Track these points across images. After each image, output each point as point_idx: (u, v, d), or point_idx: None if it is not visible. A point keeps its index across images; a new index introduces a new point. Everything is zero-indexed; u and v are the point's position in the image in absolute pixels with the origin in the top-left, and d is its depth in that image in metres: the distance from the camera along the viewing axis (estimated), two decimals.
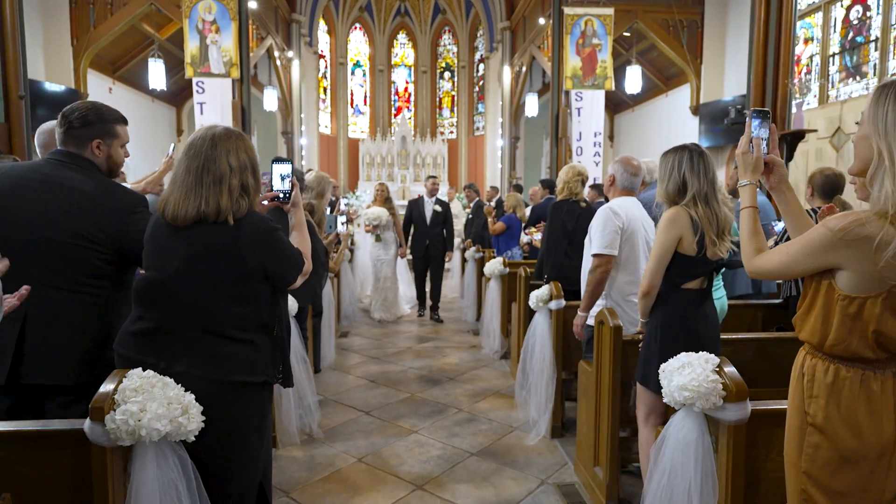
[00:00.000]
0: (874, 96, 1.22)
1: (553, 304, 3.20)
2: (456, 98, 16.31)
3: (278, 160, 1.93)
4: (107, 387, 1.46)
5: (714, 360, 1.63)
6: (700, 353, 1.68)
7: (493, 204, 7.67)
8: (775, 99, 5.29)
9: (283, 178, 1.89)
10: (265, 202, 1.87)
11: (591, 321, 2.64)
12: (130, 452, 1.46)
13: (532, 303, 3.31)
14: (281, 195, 1.88)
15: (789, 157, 5.17)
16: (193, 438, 1.51)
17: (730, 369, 1.61)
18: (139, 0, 9.31)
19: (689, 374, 1.59)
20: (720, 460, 1.61)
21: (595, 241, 2.54)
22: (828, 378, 1.27)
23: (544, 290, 3.25)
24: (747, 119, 1.46)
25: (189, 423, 1.48)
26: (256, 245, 1.64)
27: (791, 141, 5.18)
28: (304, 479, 2.76)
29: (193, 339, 1.62)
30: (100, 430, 1.40)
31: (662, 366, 1.74)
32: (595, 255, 2.54)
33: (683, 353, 1.70)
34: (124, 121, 2.00)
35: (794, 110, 5.30)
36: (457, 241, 7.56)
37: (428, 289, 6.61)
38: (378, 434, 3.29)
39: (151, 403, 1.42)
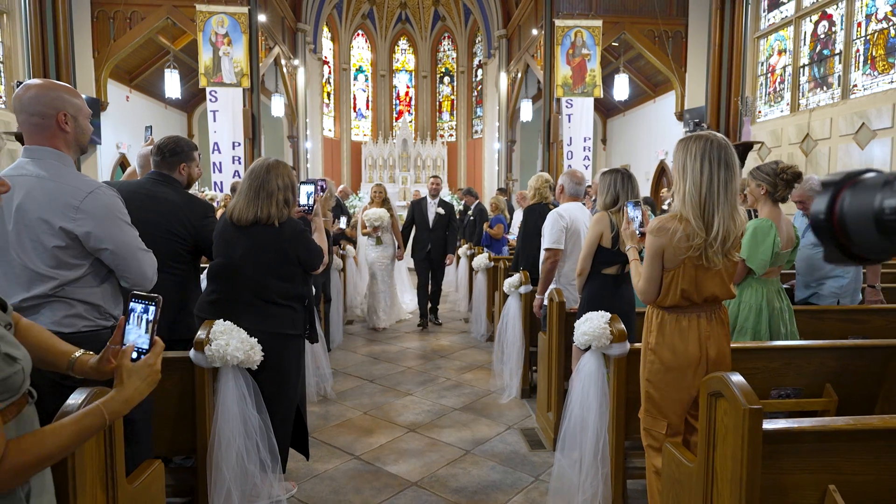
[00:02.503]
0: (677, 145, 2.03)
1: (522, 289, 4.02)
2: (455, 102, 17.16)
3: (304, 182, 2.76)
4: (202, 332, 2.28)
5: (607, 316, 2.44)
6: (599, 311, 2.49)
7: (471, 213, 7.66)
8: (728, 114, 6.07)
9: (308, 196, 2.71)
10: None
11: (546, 301, 3.44)
12: (217, 373, 2.28)
13: (506, 288, 4.12)
14: (306, 208, 2.70)
15: (741, 165, 5.96)
16: (256, 367, 2.33)
17: (618, 324, 2.42)
18: (156, 15, 10.07)
19: (588, 325, 2.40)
20: (611, 384, 2.41)
21: (545, 238, 3.35)
22: (657, 320, 2.07)
23: (515, 278, 4.06)
24: (625, 207, 2.25)
25: (255, 355, 2.31)
26: (293, 241, 2.48)
27: (742, 151, 5.98)
28: (322, 425, 3.58)
29: (252, 305, 2.45)
30: (201, 357, 2.22)
31: (576, 322, 2.55)
32: (546, 249, 3.35)
33: (589, 312, 2.51)
34: (197, 148, 2.83)
35: (743, 125, 6.10)
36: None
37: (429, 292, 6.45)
38: (380, 395, 4.12)
39: (232, 340, 2.25)
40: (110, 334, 1.85)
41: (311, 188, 2.74)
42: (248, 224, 2.46)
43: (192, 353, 2.24)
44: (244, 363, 2.28)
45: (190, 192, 2.87)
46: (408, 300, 7.29)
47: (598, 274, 2.90)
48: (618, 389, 2.38)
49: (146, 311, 1.20)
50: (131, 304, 1.21)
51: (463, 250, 7.23)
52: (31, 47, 6.48)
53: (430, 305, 6.44)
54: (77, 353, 1.26)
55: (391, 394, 4.16)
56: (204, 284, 3.00)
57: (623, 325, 2.40)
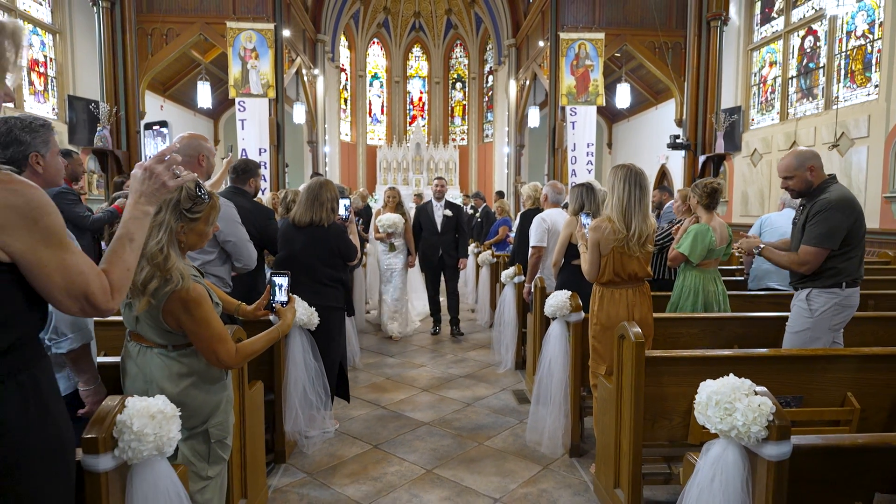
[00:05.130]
0: (611, 170, 2.97)
1: (516, 279, 4.97)
2: (466, 107, 18.17)
3: (342, 197, 3.76)
4: None
5: (568, 293, 3.38)
6: (564, 290, 3.43)
7: (478, 215, 8.40)
8: (704, 129, 6.96)
9: (345, 208, 3.70)
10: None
11: (532, 288, 4.38)
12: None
13: (502, 279, 5.07)
14: (343, 217, 3.69)
15: (715, 173, 6.84)
16: (314, 328, 3.32)
17: (576, 299, 3.36)
18: (190, 31, 11.13)
19: (554, 299, 3.35)
20: (571, 343, 3.35)
21: (532, 238, 4.30)
22: (599, 294, 3.02)
23: (510, 270, 5.02)
24: (579, 216, 3.18)
25: (314, 319, 3.30)
26: (337, 238, 3.48)
27: (717, 161, 6.87)
28: (353, 386, 4.55)
29: (306, 285, 3.45)
30: (276, 320, 3.21)
31: (546, 300, 3.49)
32: (532, 247, 4.30)
33: (556, 291, 3.46)
34: (260, 166, 3.84)
35: (717, 139, 6.99)
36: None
37: (444, 300, 6.39)
38: (399, 367, 5.10)
39: (298, 308, 3.24)
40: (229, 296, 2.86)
41: (347, 202, 3.75)
42: (305, 225, 3.48)
43: (271, 316, 3.23)
44: (306, 325, 3.28)
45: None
46: (420, 307, 7.10)
47: (569, 265, 3.85)
48: (575, 347, 3.32)
49: (283, 280, 2.18)
50: (272, 277, 2.19)
51: (471, 248, 8.18)
52: (104, 70, 7.66)
53: (449, 317, 6.35)
54: (240, 304, 2.27)
55: (408, 365, 5.15)
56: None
57: (580, 300, 3.35)
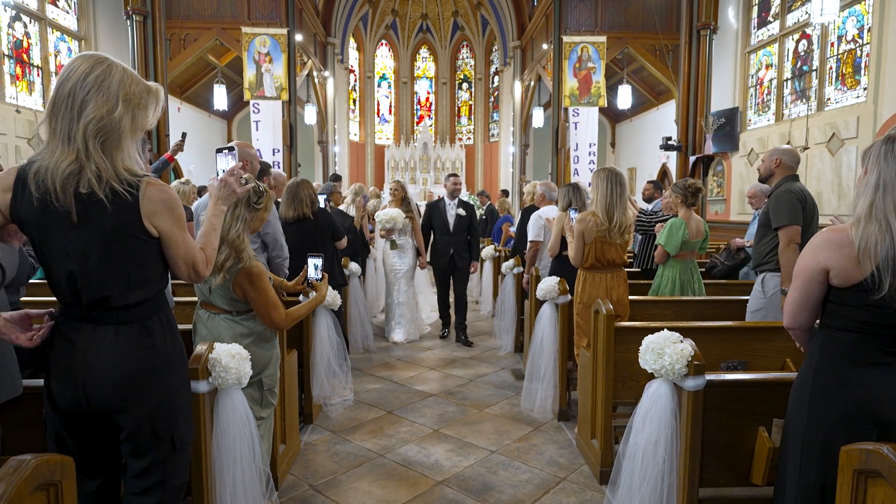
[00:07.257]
0: (594, 173, 3.53)
1: (516, 270, 5.53)
2: (473, 107, 18.72)
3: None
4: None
5: (557, 279, 3.94)
6: (554, 276, 3.99)
7: (483, 212, 9.00)
8: (694, 131, 7.49)
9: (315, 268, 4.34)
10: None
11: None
12: (315, 309, 3.85)
13: (503, 269, 5.63)
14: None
15: (705, 174, 7.37)
16: (337, 308, 3.91)
17: (563, 284, 3.91)
18: (207, 36, 11.76)
19: (545, 284, 3.91)
20: (559, 324, 3.91)
21: (529, 233, 4.86)
22: (582, 277, 3.58)
23: (510, 262, 5.58)
24: (568, 211, 3.75)
25: (337, 300, 3.89)
26: (325, 223, 4.17)
27: (706, 162, 7.39)
28: (367, 366, 5.15)
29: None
30: (306, 299, 3.79)
31: (538, 285, 4.05)
32: (529, 241, 4.86)
33: (547, 277, 4.01)
34: (270, 166, 4.44)
35: (706, 141, 7.52)
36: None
37: (452, 300, 6.20)
38: (408, 349, 5.68)
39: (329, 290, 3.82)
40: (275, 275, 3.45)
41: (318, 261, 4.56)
42: (293, 219, 4.13)
43: (301, 297, 3.82)
44: (330, 305, 3.86)
45: None
46: (428, 311, 7.05)
47: (560, 255, 4.40)
48: (562, 325, 3.88)
49: (317, 261, 2.76)
50: (309, 258, 2.77)
51: (484, 253, 8.69)
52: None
53: (455, 321, 6.15)
54: (282, 280, 2.86)
55: (416, 349, 5.73)
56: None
57: (567, 285, 3.91)
